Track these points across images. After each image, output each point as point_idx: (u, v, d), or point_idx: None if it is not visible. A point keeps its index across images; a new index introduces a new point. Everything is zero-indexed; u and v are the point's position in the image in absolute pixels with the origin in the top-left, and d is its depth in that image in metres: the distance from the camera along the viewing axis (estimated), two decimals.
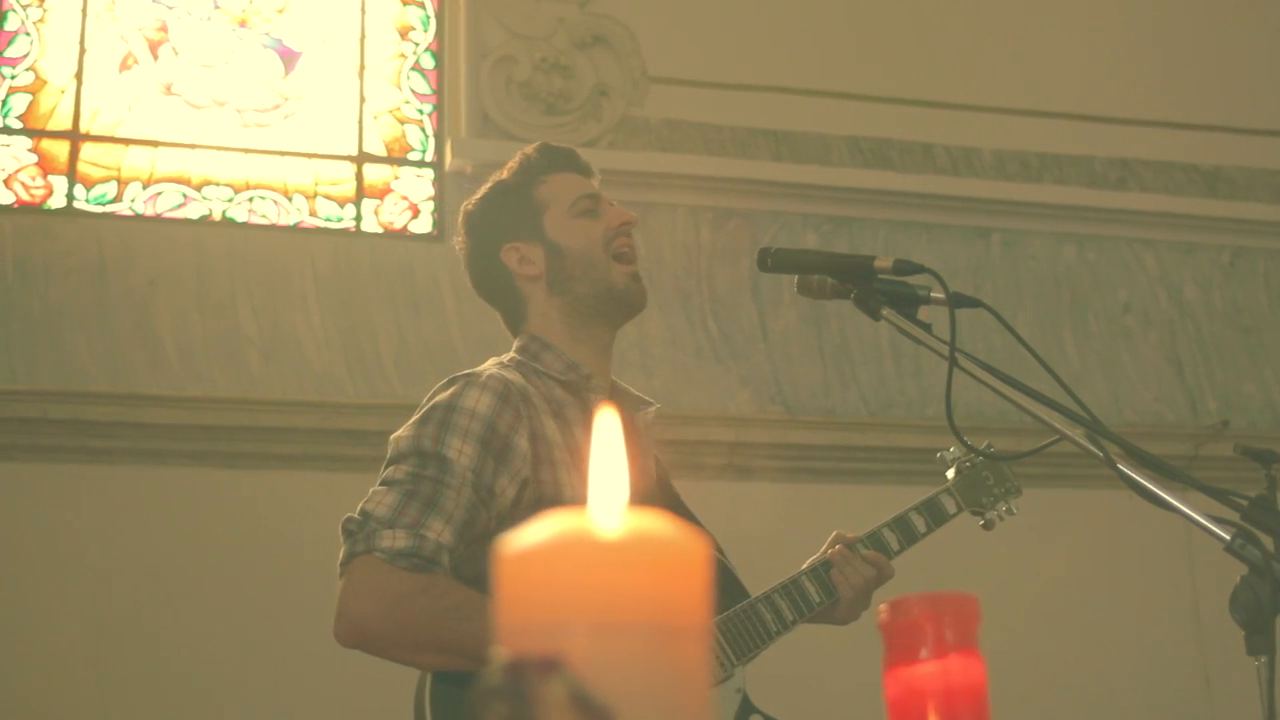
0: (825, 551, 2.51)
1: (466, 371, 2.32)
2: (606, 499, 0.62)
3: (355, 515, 2.15)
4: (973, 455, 2.74)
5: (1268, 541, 1.68)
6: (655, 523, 0.62)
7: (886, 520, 2.60)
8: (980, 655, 0.98)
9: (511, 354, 2.42)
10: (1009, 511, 2.80)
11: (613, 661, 0.58)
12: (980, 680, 0.98)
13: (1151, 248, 5.69)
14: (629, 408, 2.44)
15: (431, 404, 2.26)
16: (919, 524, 2.62)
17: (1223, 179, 5.84)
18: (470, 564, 2.16)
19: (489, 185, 2.52)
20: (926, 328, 1.96)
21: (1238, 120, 5.89)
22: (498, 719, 0.54)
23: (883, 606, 1.02)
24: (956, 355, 1.89)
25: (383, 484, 2.19)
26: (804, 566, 2.49)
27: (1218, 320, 5.68)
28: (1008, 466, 2.81)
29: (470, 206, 2.52)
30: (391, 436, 2.26)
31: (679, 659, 0.59)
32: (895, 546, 2.57)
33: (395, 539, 2.10)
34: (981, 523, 2.78)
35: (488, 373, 2.30)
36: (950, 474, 2.76)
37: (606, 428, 0.64)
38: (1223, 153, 5.84)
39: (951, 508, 2.70)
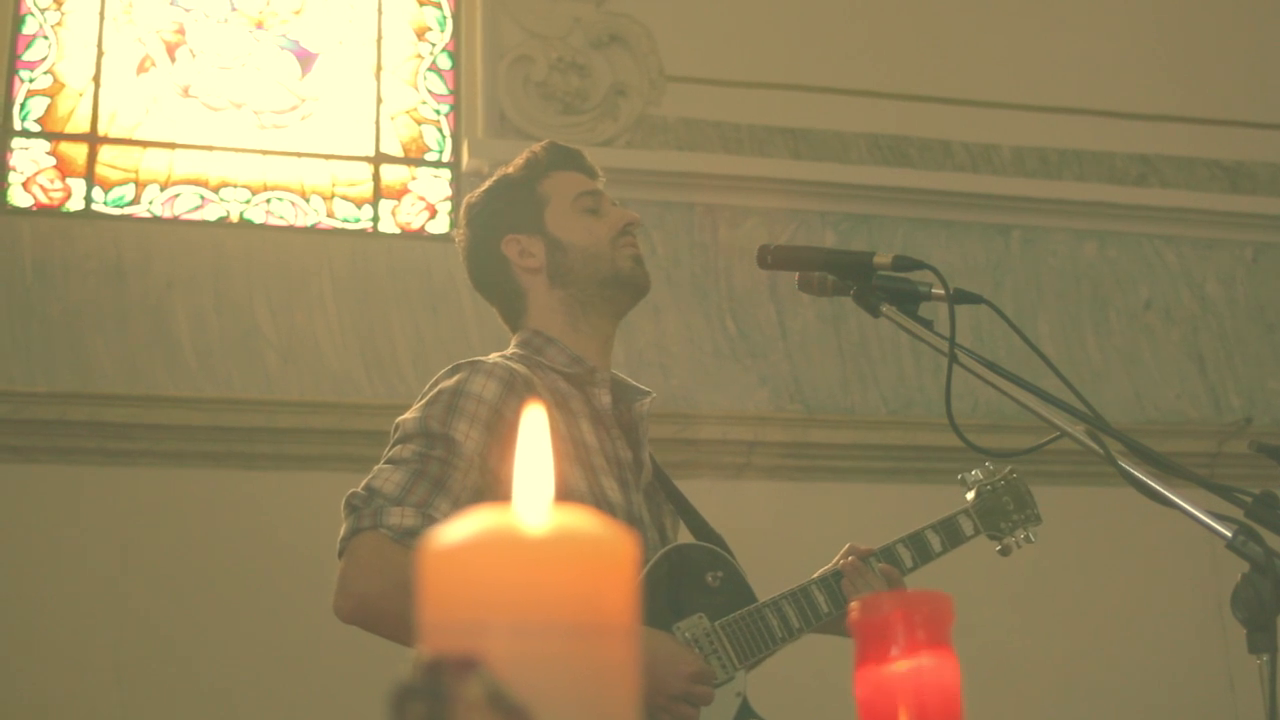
0: (837, 562, 2.46)
1: (471, 359, 2.29)
2: (531, 495, 0.61)
3: (360, 491, 2.11)
4: (994, 479, 2.70)
5: (1272, 539, 1.66)
6: (581, 520, 0.61)
7: (901, 536, 2.54)
8: (954, 654, 0.97)
9: (513, 348, 2.40)
10: (1028, 539, 2.72)
11: (533, 661, 0.57)
12: (953, 680, 0.96)
13: (1173, 244, 5.64)
14: (628, 398, 2.43)
15: (437, 388, 2.24)
16: (935, 543, 2.57)
17: (1245, 174, 5.79)
18: None
19: (493, 179, 2.53)
20: (927, 324, 1.95)
21: (1260, 115, 5.84)
22: (415, 718, 0.53)
23: (854, 604, 1.00)
24: (957, 352, 1.87)
25: (388, 463, 2.15)
26: (815, 575, 2.44)
27: (1240, 317, 5.64)
28: (1030, 493, 2.74)
29: (472, 199, 2.53)
30: (396, 420, 2.23)
31: (602, 659, 0.58)
32: (909, 563, 2.51)
33: (404, 516, 2.06)
34: (998, 548, 2.71)
35: (493, 360, 2.28)
36: (970, 496, 2.69)
37: (533, 424, 0.63)
38: (1245, 148, 5.79)
39: (969, 529, 2.64)
